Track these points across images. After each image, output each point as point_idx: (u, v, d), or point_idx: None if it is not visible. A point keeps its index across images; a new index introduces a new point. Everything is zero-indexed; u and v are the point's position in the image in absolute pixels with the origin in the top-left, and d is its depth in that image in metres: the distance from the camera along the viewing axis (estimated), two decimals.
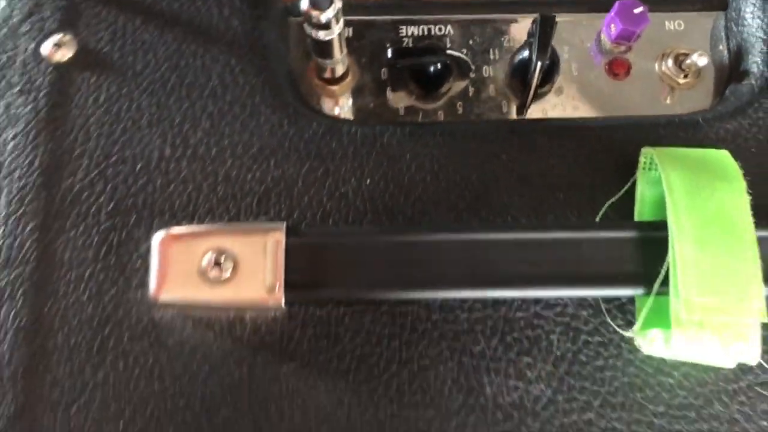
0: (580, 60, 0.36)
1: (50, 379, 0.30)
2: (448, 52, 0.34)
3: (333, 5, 0.29)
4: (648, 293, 0.28)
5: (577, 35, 0.37)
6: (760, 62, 0.34)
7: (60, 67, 0.33)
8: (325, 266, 0.29)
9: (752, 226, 0.28)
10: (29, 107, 0.33)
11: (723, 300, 0.27)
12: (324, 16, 0.29)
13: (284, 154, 0.32)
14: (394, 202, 0.32)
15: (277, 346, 0.30)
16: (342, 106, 0.36)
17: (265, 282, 0.29)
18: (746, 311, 0.27)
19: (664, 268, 0.28)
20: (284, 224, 0.30)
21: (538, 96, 0.36)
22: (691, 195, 0.28)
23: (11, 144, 0.32)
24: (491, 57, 0.36)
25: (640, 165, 0.31)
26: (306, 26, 0.31)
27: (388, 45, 0.36)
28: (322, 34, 0.31)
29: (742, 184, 0.29)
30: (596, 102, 0.36)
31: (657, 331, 0.28)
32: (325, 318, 0.30)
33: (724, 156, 0.30)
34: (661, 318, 0.28)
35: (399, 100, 0.36)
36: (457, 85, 0.36)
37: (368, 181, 0.32)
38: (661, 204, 0.30)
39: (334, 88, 0.36)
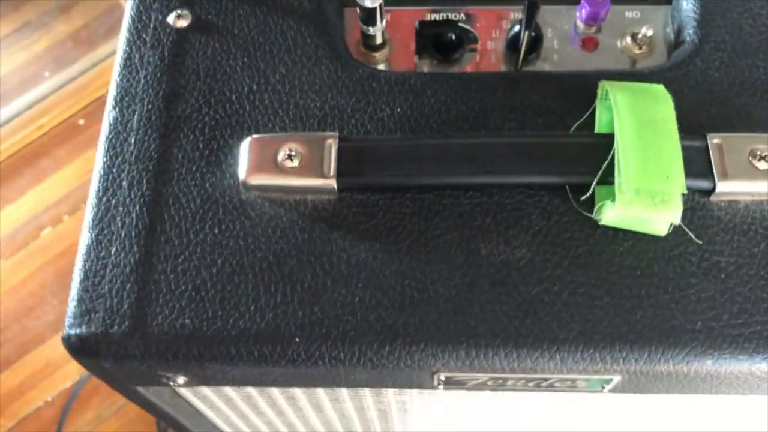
0: (561, 38, 0.48)
1: (164, 238, 0.41)
2: (460, 24, 0.47)
3: None
4: (601, 180, 0.39)
5: (559, 20, 0.49)
6: (692, 33, 0.45)
7: (180, 31, 0.46)
8: (365, 161, 0.41)
9: (677, 131, 0.39)
10: (157, 56, 0.45)
11: (652, 177, 0.38)
12: None
13: (338, 90, 0.44)
14: (417, 124, 0.43)
15: (330, 219, 0.41)
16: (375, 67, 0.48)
17: (323, 172, 0.41)
18: (669, 185, 0.38)
19: (609, 157, 0.39)
20: (337, 133, 0.41)
21: (527, 62, 0.47)
22: (631, 108, 0.39)
23: (143, 81, 0.45)
24: (493, 35, 0.48)
25: (599, 95, 0.42)
26: None
27: (416, 22, 0.48)
28: (368, 2, 0.43)
29: (670, 104, 0.40)
30: (573, 68, 0.47)
31: (609, 206, 0.39)
32: (365, 201, 0.41)
33: (659, 86, 0.41)
34: (610, 197, 0.39)
35: (423, 64, 0.48)
36: (468, 56, 0.48)
37: (398, 109, 0.44)
38: (613, 124, 0.41)
39: (376, 55, 0.48)
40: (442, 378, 0.40)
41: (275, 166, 0.41)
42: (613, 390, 0.41)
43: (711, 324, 0.38)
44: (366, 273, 0.40)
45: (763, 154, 0.40)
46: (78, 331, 0.39)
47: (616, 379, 0.39)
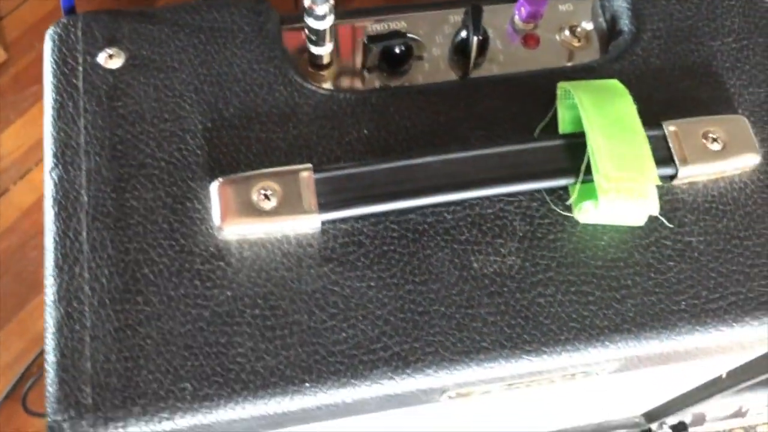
0: (501, 37, 0.49)
1: (142, 300, 0.38)
2: (408, 35, 0.46)
3: (328, 1, 0.41)
4: (576, 181, 0.40)
5: (496, 19, 0.49)
6: (628, 23, 0.47)
7: (114, 72, 0.43)
8: (346, 191, 0.40)
9: (640, 124, 0.41)
10: (94, 102, 0.42)
11: (629, 171, 0.39)
12: (321, 8, 0.41)
13: (298, 118, 0.43)
14: (386, 143, 0.42)
15: (317, 254, 0.40)
16: (329, 87, 0.47)
17: (304, 207, 0.39)
18: (645, 177, 0.39)
19: (586, 158, 0.40)
20: (310, 165, 0.40)
21: (476, 66, 0.48)
22: (597, 107, 0.41)
23: (83, 131, 0.41)
24: (437, 41, 0.48)
25: (558, 96, 0.43)
26: (306, 18, 0.42)
27: (363, 35, 0.47)
28: (318, 24, 0.42)
29: (629, 98, 0.42)
30: (518, 67, 0.48)
31: (588, 203, 0.40)
32: (350, 230, 0.40)
33: (615, 82, 0.43)
34: (589, 195, 0.40)
35: (374, 79, 0.47)
36: (416, 65, 0.48)
37: (365, 131, 0.43)
38: (576, 121, 0.42)
39: (323, 73, 0.46)
40: (452, 394, 0.40)
41: (251, 207, 0.39)
42: (613, 372, 0.43)
43: (693, 302, 0.40)
44: (363, 304, 0.39)
45: (714, 136, 0.42)
46: (65, 416, 0.36)
47: (616, 363, 0.41)
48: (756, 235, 0.42)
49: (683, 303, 0.40)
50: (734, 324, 0.40)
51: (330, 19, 0.42)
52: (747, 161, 0.43)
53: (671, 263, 0.41)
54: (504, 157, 0.41)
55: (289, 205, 0.39)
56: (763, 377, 0.57)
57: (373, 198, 0.40)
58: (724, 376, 0.61)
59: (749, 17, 0.47)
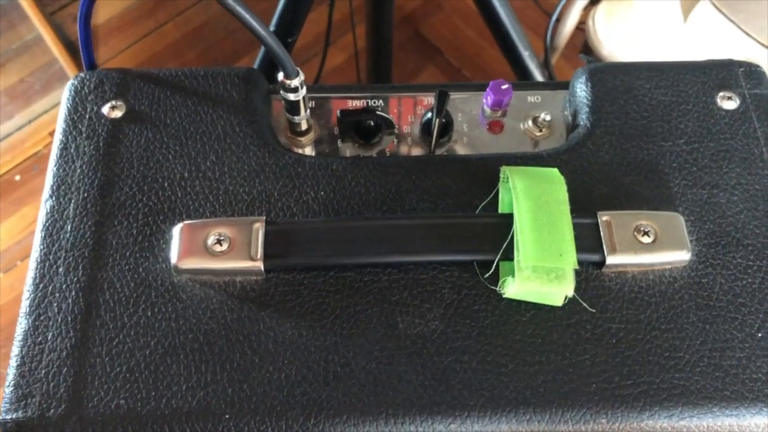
0: (470, 122, 0.53)
1: (99, 322, 0.43)
2: (378, 113, 0.51)
3: (299, 76, 0.46)
4: (502, 257, 0.43)
5: (468, 106, 0.53)
6: (585, 118, 0.50)
7: (114, 122, 0.49)
8: (291, 243, 0.44)
9: (568, 211, 0.44)
10: (92, 146, 0.48)
11: (548, 255, 0.42)
12: (293, 83, 0.46)
13: (265, 176, 0.48)
14: (339, 206, 0.47)
15: (258, 299, 0.44)
16: (306, 152, 0.52)
17: (251, 255, 0.44)
18: (564, 261, 0.42)
19: (509, 238, 0.43)
20: (264, 218, 0.45)
21: (439, 145, 0.52)
22: (527, 192, 0.44)
23: (78, 170, 0.47)
24: (409, 119, 0.53)
25: (501, 178, 0.47)
26: (282, 92, 0.47)
27: (338, 110, 0.52)
28: (292, 96, 0.47)
29: (563, 187, 0.45)
30: (479, 150, 0.52)
31: (510, 281, 0.43)
32: (291, 280, 0.44)
33: (553, 170, 0.46)
34: (512, 272, 0.43)
35: (346, 148, 0.52)
36: (387, 139, 0.52)
37: (322, 192, 0.47)
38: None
39: (301, 139, 0.52)
40: None
41: (205, 250, 0.44)
42: None
43: (604, 386, 0.42)
44: (292, 350, 0.43)
45: (647, 230, 0.45)
46: (14, 415, 0.40)
47: None
48: (677, 329, 0.43)
49: (594, 385, 0.42)
50: (643, 411, 0.42)
51: (302, 92, 0.47)
52: (676, 257, 0.45)
53: (588, 346, 0.43)
54: (439, 228, 0.45)
55: (239, 251, 0.44)
56: None
57: (315, 253, 0.44)
58: None
59: (703, 122, 0.50)
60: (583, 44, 1.11)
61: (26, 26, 1.55)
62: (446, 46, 1.54)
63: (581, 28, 1.13)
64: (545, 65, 1.06)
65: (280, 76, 0.47)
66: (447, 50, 1.54)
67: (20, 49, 1.55)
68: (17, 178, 1.43)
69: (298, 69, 0.46)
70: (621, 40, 1.06)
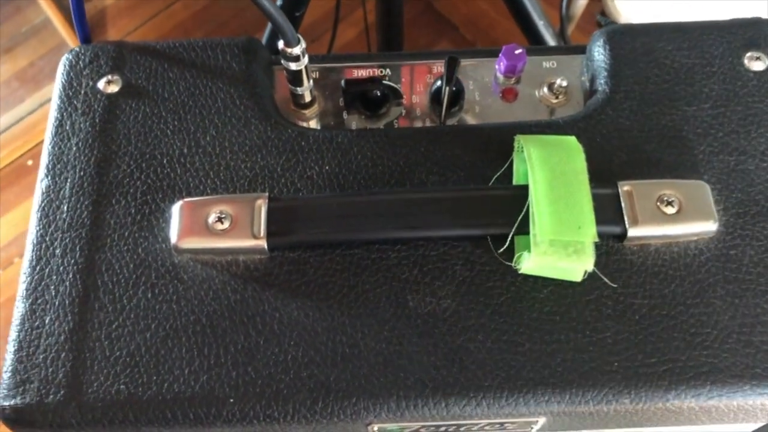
0: (482, 90, 0.50)
1: (98, 305, 0.41)
2: (385, 82, 0.48)
3: (300, 44, 0.44)
4: (518, 231, 0.41)
5: (479, 73, 0.51)
6: (603, 83, 0.48)
7: (110, 97, 0.47)
8: (295, 221, 0.42)
9: (587, 182, 0.41)
10: (88, 123, 0.46)
11: (566, 228, 0.40)
12: (294, 51, 0.44)
13: (267, 150, 0.46)
14: (345, 181, 0.45)
15: (262, 279, 0.42)
16: (310, 125, 0.50)
17: (254, 233, 0.42)
18: (583, 234, 0.40)
19: (524, 211, 0.41)
20: (267, 194, 0.43)
21: (450, 115, 0.49)
22: (543, 162, 0.42)
23: (74, 148, 0.46)
24: (418, 89, 0.50)
25: (515, 148, 0.44)
26: (283, 61, 0.45)
27: (342, 80, 0.50)
28: (293, 65, 0.45)
29: (582, 156, 0.42)
30: (492, 119, 0.49)
31: (526, 256, 0.41)
32: (296, 259, 0.42)
33: (570, 138, 0.43)
34: (528, 247, 0.41)
35: (352, 120, 0.50)
36: (394, 110, 0.50)
37: (327, 167, 0.45)
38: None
39: (305, 112, 0.49)
40: (376, 429, 0.41)
41: (206, 228, 0.42)
42: (540, 430, 0.42)
43: (626, 364, 0.40)
44: (298, 331, 0.41)
45: (670, 200, 0.42)
46: (13, 402, 0.39)
47: (542, 420, 0.41)
48: (704, 304, 0.41)
49: (616, 364, 0.40)
50: (668, 391, 0.39)
51: (304, 61, 0.45)
52: (703, 228, 0.42)
53: (609, 323, 0.41)
54: (449, 201, 0.42)
55: (241, 229, 0.42)
56: None
57: (320, 229, 0.42)
58: None
59: (730, 85, 0.47)
60: (600, 10, 1.07)
61: (34, 10, 1.54)
62: (460, 20, 1.51)
63: None
64: (561, 35, 1.03)
65: (281, 44, 0.44)
66: (461, 24, 1.50)
67: (29, 33, 1.54)
68: (29, 162, 1.42)
69: (300, 36, 0.44)
70: (640, 8, 1.02)
